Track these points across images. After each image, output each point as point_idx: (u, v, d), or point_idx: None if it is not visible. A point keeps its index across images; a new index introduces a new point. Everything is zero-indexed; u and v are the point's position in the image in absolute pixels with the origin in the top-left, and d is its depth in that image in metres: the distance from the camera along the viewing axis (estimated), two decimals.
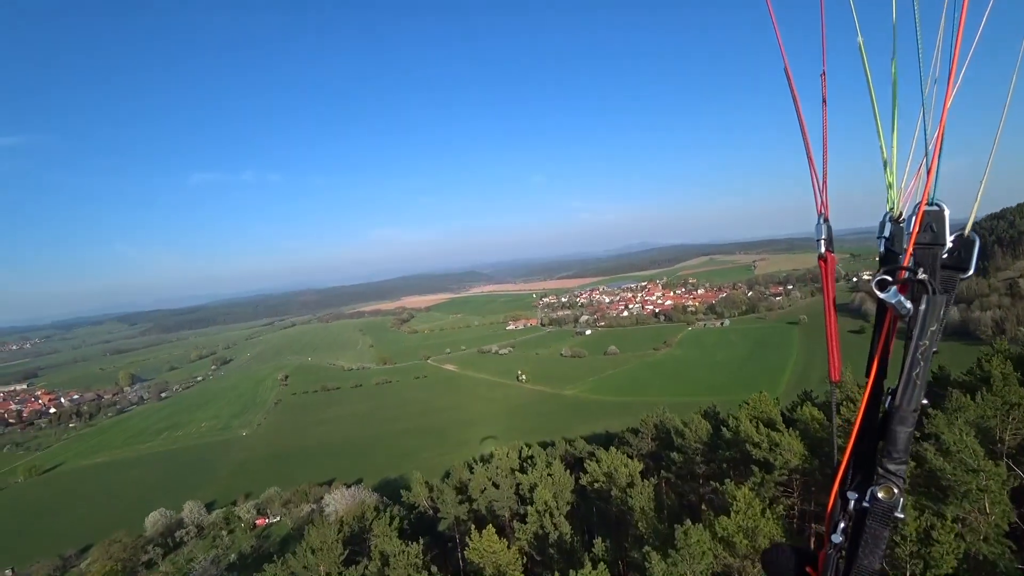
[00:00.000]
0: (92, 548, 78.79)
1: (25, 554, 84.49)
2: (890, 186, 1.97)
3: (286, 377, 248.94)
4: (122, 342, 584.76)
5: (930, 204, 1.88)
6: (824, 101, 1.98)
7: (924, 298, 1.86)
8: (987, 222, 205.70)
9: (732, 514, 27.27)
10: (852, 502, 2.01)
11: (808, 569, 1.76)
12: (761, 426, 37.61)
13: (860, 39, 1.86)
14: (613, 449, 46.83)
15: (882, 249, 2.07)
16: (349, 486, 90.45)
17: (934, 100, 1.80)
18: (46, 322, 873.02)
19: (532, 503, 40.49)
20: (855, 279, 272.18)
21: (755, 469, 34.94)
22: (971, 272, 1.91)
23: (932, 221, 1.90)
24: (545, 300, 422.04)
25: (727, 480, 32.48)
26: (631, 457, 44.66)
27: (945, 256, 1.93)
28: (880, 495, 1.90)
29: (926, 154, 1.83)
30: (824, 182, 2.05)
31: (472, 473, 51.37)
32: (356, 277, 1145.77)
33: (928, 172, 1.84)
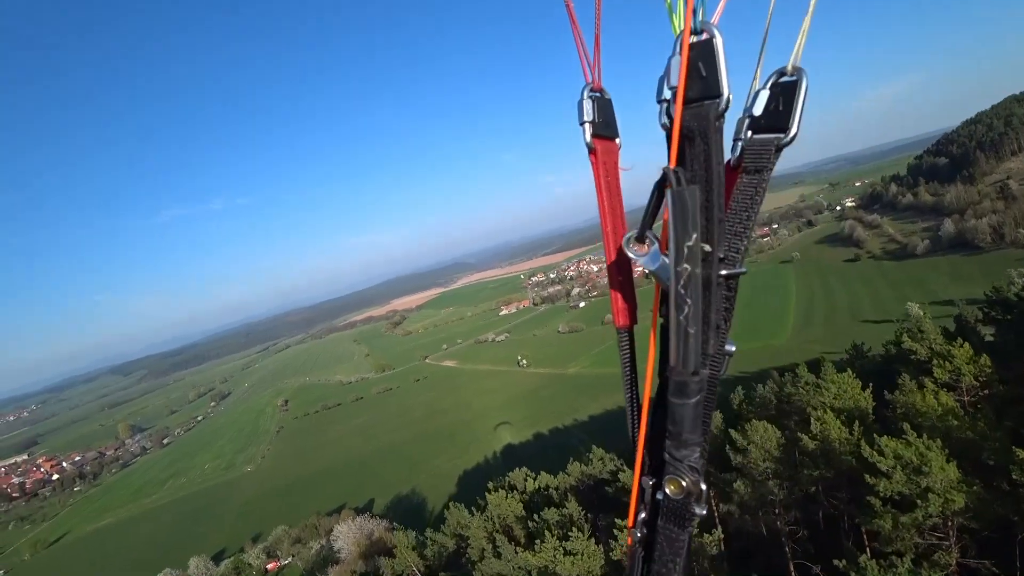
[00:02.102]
0: None
1: None
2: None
3: (286, 402, 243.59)
4: (118, 394, 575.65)
5: (696, 33, 1.20)
6: None
7: (669, 194, 1.18)
8: (964, 128, 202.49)
9: None
10: (647, 491, 1.54)
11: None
12: (857, 428, 25.37)
13: None
14: None
15: (663, 119, 1.32)
16: (360, 512, 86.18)
17: None
18: (39, 387, 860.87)
19: None
20: (839, 207, 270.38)
21: (876, 505, 21.77)
22: (794, 132, 1.26)
23: (699, 58, 1.21)
24: (534, 279, 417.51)
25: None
26: None
27: (755, 113, 1.30)
28: (668, 489, 1.39)
29: None
30: (597, 40, 1.42)
31: (471, 522, 39.04)
32: (343, 288, 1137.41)
33: None
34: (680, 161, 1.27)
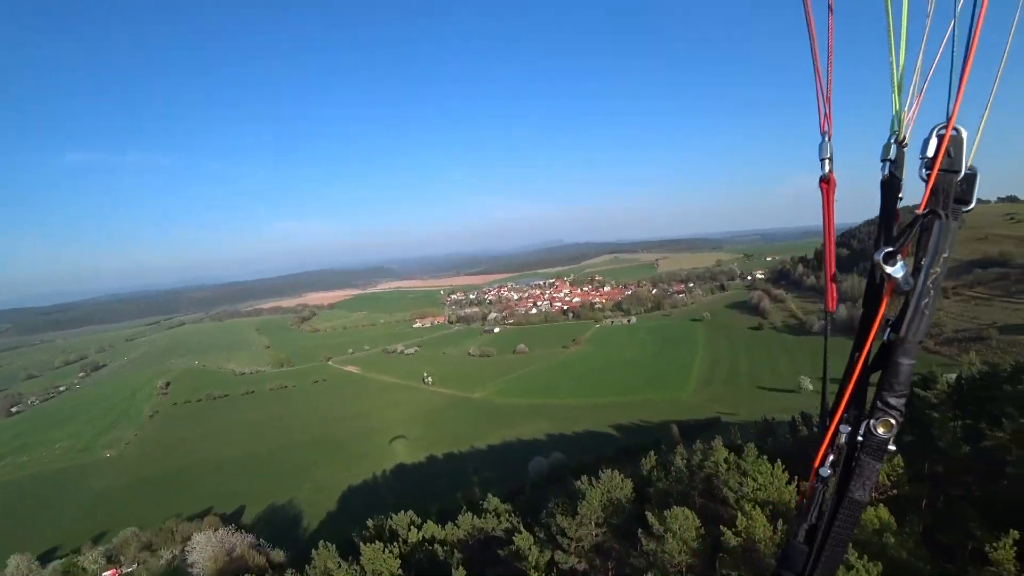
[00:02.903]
0: None
1: None
2: (896, 108, 1.97)
3: (167, 385, 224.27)
4: None
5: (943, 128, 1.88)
6: (830, 8, 1.98)
7: (936, 224, 1.89)
8: (865, 226, 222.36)
9: None
10: (844, 436, 2.06)
11: (798, 496, 2.48)
12: (781, 527, 23.17)
13: None
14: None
15: (885, 172, 2.05)
16: (227, 520, 79.32)
17: (957, 12, 1.80)
18: None
19: None
20: (750, 277, 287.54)
21: None
22: (973, 205, 1.96)
23: (951, 146, 1.90)
24: (453, 297, 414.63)
25: None
26: None
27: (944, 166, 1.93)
28: (880, 430, 1.95)
29: (951, 72, 1.80)
30: (828, 94, 2.01)
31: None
32: (254, 273, 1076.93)
33: (958, 91, 1.81)
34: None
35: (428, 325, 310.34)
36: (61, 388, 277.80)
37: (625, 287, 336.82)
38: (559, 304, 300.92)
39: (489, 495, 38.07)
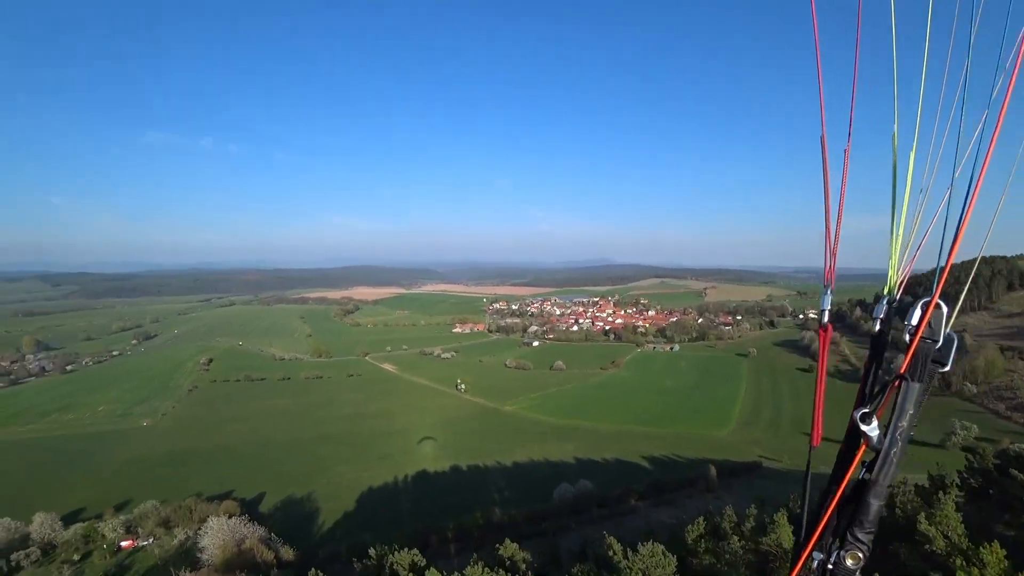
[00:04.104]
0: None
1: None
2: (891, 273, 2.25)
3: (209, 361, 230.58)
4: (38, 303, 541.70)
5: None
6: (844, 181, 2.19)
7: (904, 386, 2.16)
8: (929, 275, 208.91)
9: None
10: (816, 561, 2.27)
11: None
12: None
13: (895, 129, 2.08)
14: None
15: (876, 328, 2.28)
16: (247, 506, 79.13)
17: (950, 193, 2.06)
18: None
19: None
20: (802, 316, 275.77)
21: None
22: (948, 367, 2.19)
23: (932, 318, 2.15)
24: (495, 306, 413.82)
25: None
26: None
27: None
28: (848, 561, 2.18)
29: (941, 249, 2.08)
30: (834, 253, 2.25)
31: None
32: (306, 262, 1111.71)
33: (944, 270, 2.11)
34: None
35: (467, 331, 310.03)
36: (114, 353, 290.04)
37: (670, 313, 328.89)
38: (601, 324, 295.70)
39: (507, 540, 34.41)
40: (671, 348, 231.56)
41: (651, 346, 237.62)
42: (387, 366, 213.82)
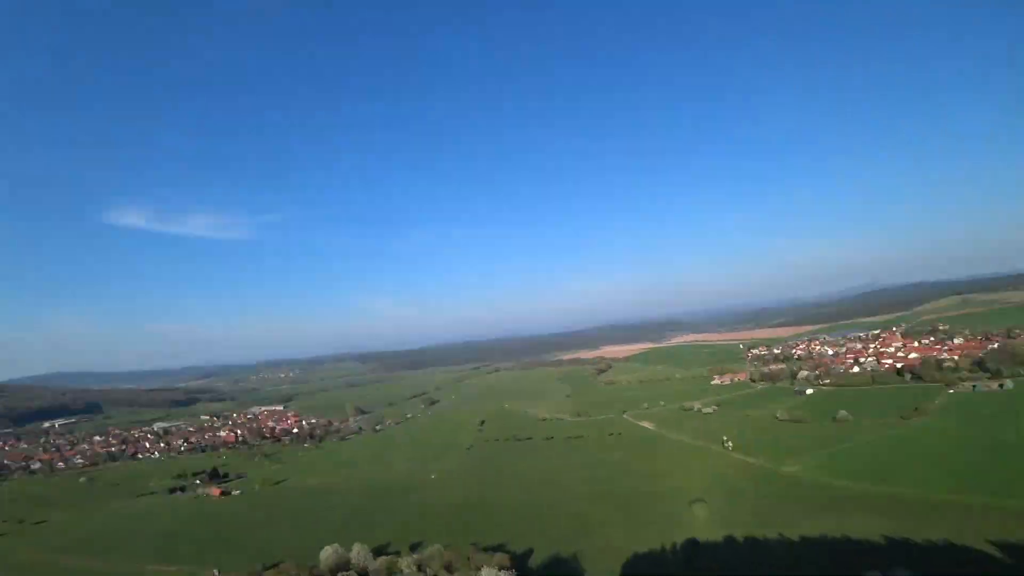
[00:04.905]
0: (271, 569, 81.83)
1: (224, 562, 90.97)
2: None
3: (482, 423, 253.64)
4: (355, 377, 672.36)
5: None
6: None
7: None
8: None
9: None
10: None
11: None
12: None
13: None
14: None
15: None
16: (516, 559, 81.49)
17: None
18: (303, 356, 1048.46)
19: None
20: None
21: None
22: None
23: None
24: (754, 351, 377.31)
25: None
26: None
27: None
28: None
29: None
30: None
31: None
32: (556, 326, 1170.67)
33: None
34: None
35: (728, 382, 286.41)
36: (408, 415, 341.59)
37: (986, 338, 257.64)
38: (890, 361, 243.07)
39: None
40: (1001, 386, 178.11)
41: (968, 384, 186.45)
42: (645, 423, 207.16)
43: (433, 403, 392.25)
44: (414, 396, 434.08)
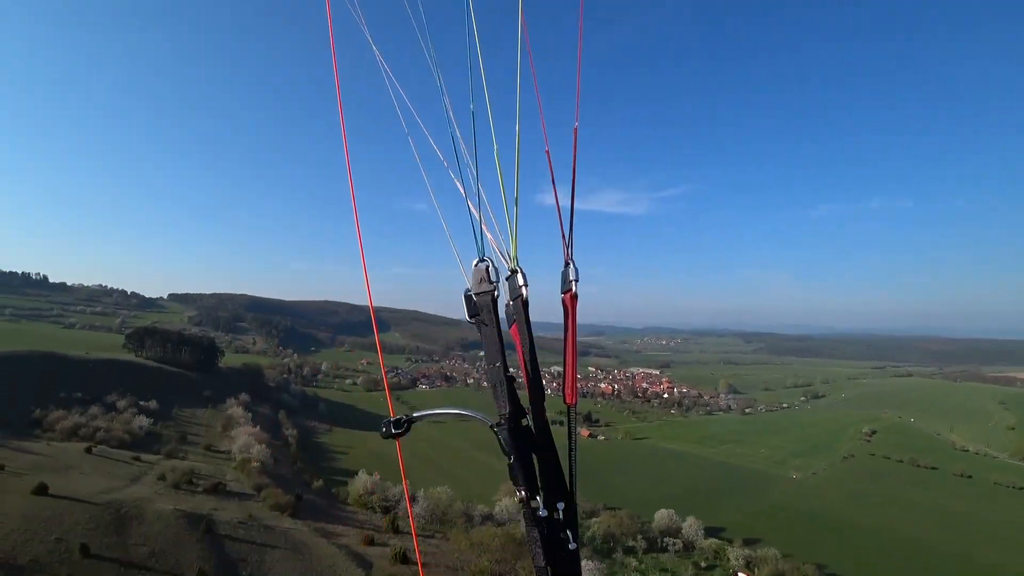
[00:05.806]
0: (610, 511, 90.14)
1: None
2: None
3: (872, 432, 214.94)
4: (735, 355, 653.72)
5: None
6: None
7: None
8: None
9: None
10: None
11: None
12: None
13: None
14: None
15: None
16: None
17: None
18: (686, 327, 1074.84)
19: None
20: None
21: None
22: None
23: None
24: None
25: None
26: None
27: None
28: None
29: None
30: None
31: None
32: (1007, 329, 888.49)
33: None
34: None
35: None
36: (783, 405, 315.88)
37: None
38: None
39: None
40: None
41: None
42: None
43: (817, 397, 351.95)
44: (795, 385, 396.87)
